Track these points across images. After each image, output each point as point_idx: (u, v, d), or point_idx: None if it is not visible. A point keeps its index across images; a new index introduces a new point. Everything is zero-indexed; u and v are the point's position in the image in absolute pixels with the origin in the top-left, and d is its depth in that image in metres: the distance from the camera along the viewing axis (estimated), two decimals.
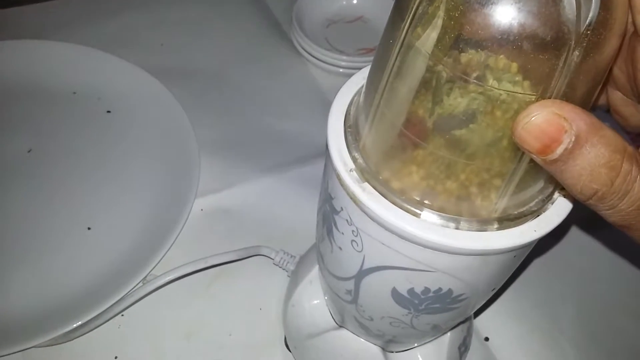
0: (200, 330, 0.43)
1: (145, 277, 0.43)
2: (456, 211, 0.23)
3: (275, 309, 0.44)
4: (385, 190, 0.24)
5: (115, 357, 0.40)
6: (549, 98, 0.20)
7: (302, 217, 0.49)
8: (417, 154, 0.23)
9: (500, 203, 0.23)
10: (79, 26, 0.62)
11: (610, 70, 0.26)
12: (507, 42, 0.19)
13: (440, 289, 0.25)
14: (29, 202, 0.48)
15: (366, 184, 0.24)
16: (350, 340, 0.37)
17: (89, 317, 0.40)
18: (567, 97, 0.20)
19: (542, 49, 0.19)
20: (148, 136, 0.53)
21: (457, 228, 0.23)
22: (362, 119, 0.25)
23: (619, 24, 0.20)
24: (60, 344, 0.40)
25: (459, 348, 0.39)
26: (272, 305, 0.44)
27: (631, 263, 0.51)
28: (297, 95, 0.60)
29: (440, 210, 0.23)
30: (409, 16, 0.21)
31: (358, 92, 0.27)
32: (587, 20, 0.19)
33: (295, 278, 0.41)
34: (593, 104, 0.24)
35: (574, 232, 0.52)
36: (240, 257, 0.45)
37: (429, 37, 0.21)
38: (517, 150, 0.21)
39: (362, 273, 0.27)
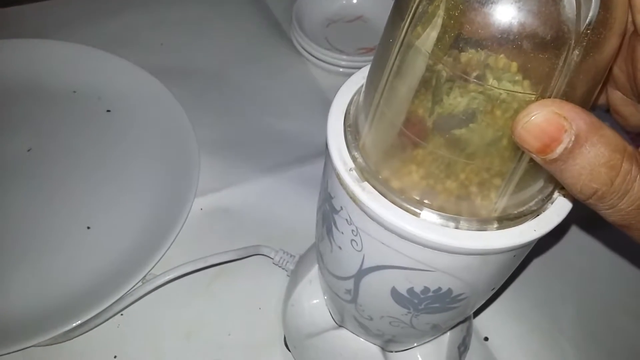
0: (200, 330, 0.43)
1: (145, 276, 0.43)
2: (456, 211, 0.23)
3: (274, 309, 0.44)
4: (384, 189, 0.24)
5: (115, 357, 0.40)
6: (549, 97, 0.20)
7: (302, 216, 0.49)
8: (416, 153, 0.23)
9: (500, 202, 0.23)
10: (79, 25, 0.62)
11: (610, 69, 0.26)
12: (507, 41, 0.19)
13: (439, 288, 0.25)
14: (28, 201, 0.48)
15: (366, 183, 0.24)
16: (349, 339, 0.37)
17: (88, 317, 0.40)
18: (567, 96, 0.20)
19: (542, 48, 0.19)
20: (148, 135, 0.53)
21: (456, 227, 0.23)
22: (361, 119, 0.25)
23: (619, 23, 0.20)
24: (59, 343, 0.40)
25: (459, 348, 0.39)
26: (271, 305, 0.44)
27: (631, 263, 0.51)
28: (297, 94, 0.60)
29: (440, 209, 0.23)
30: (409, 15, 0.21)
31: (358, 92, 0.27)
32: (587, 20, 0.19)
33: (294, 277, 0.41)
34: (593, 103, 0.24)
35: (574, 232, 0.52)
36: (239, 257, 0.45)
37: (429, 36, 0.21)
38: (517, 149, 0.21)
39: (362, 272, 0.27)
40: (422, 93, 0.22)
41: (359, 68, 0.28)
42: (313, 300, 0.39)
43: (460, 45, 0.20)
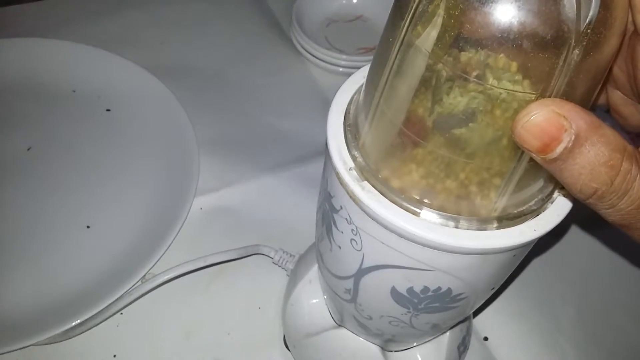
0: (199, 329, 0.43)
1: (144, 275, 0.43)
2: (456, 210, 0.23)
3: (274, 308, 0.44)
4: (384, 188, 0.23)
5: (114, 356, 0.40)
6: (549, 97, 0.20)
7: (302, 216, 0.49)
8: (416, 152, 0.23)
9: (499, 202, 0.23)
10: (79, 24, 0.62)
11: (610, 69, 0.26)
12: (507, 40, 0.19)
13: (439, 288, 0.25)
14: (28, 200, 0.48)
15: (365, 182, 0.24)
16: (349, 339, 0.37)
17: (87, 316, 0.40)
18: (567, 96, 0.20)
19: (542, 48, 0.19)
20: (147, 134, 0.53)
21: (456, 227, 0.23)
22: (361, 118, 0.25)
23: (619, 22, 0.20)
24: (59, 342, 0.40)
25: (458, 347, 0.39)
26: (271, 304, 0.44)
27: (631, 263, 0.51)
28: (296, 94, 0.60)
29: (439, 209, 0.23)
30: (409, 14, 0.21)
31: (358, 91, 0.27)
32: (587, 19, 0.19)
33: (294, 277, 0.41)
34: (593, 103, 0.24)
35: (574, 232, 0.52)
36: (239, 256, 0.45)
37: (429, 36, 0.21)
38: (517, 149, 0.21)
39: (361, 272, 0.27)
40: (422, 92, 0.22)
41: (359, 68, 0.28)
42: (313, 300, 0.39)
43: (460, 44, 0.20)
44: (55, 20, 0.62)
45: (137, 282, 0.43)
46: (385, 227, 0.23)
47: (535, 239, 0.23)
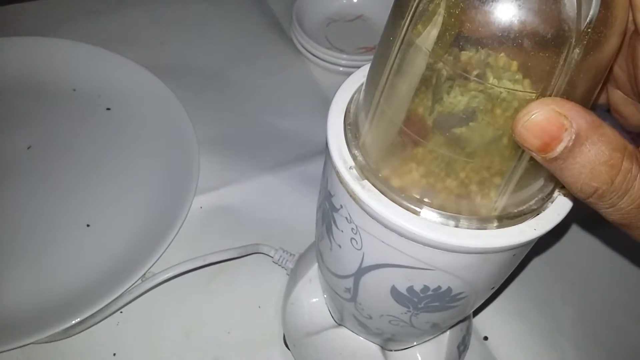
0: (199, 328, 0.43)
1: (144, 274, 0.43)
2: (456, 209, 0.23)
3: (274, 307, 0.44)
4: (385, 187, 0.23)
5: (114, 354, 0.40)
6: (549, 96, 0.20)
7: (302, 215, 0.49)
8: (417, 151, 0.23)
9: (500, 201, 0.23)
10: (80, 23, 0.62)
11: (611, 69, 0.26)
12: (508, 39, 0.19)
13: (439, 287, 0.25)
14: (28, 198, 0.48)
15: (366, 181, 0.24)
16: (349, 338, 0.37)
17: (87, 314, 0.40)
18: (567, 95, 0.20)
19: (542, 47, 0.19)
20: (148, 133, 0.53)
21: (456, 226, 0.23)
22: (362, 117, 0.25)
23: (619, 22, 0.20)
24: (58, 340, 0.40)
25: (458, 347, 0.39)
26: (271, 303, 0.44)
27: (631, 262, 0.51)
28: (297, 93, 0.60)
29: (440, 208, 0.23)
30: (409, 13, 0.21)
31: (358, 90, 0.27)
32: (588, 18, 0.19)
33: (294, 276, 0.41)
34: (593, 103, 0.24)
35: (574, 231, 0.52)
36: (239, 255, 0.45)
37: (430, 35, 0.21)
38: (517, 148, 0.21)
39: (362, 271, 0.27)
40: (423, 91, 0.22)
41: (359, 67, 0.28)
42: (312, 299, 0.39)
43: (461, 43, 0.20)
44: (56, 19, 0.62)
45: (137, 280, 0.43)
46: (386, 226, 0.23)
47: (535, 239, 0.23)
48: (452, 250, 0.23)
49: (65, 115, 0.54)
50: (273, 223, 0.49)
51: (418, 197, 0.23)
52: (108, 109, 0.55)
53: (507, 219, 0.23)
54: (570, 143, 0.18)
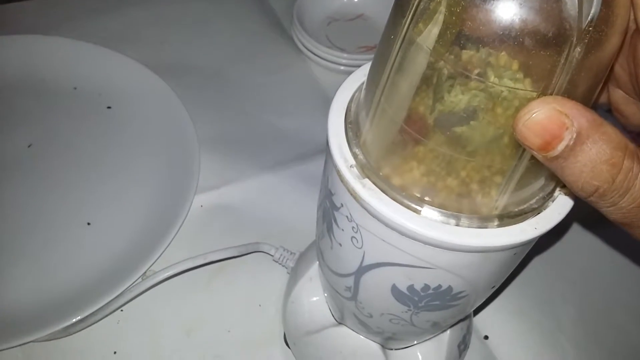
0: (200, 327, 0.43)
1: (145, 272, 0.43)
2: (457, 208, 0.23)
3: (274, 306, 0.44)
4: (385, 186, 0.23)
5: (115, 352, 0.40)
6: (551, 95, 0.20)
7: (302, 213, 0.49)
8: (417, 150, 0.23)
9: (500, 200, 0.23)
10: (80, 22, 0.62)
11: (612, 68, 0.26)
12: (509, 38, 0.19)
13: (440, 286, 0.25)
14: (29, 197, 0.48)
15: (366, 180, 0.24)
16: (349, 337, 0.37)
17: (88, 312, 0.40)
18: (568, 94, 0.20)
19: (543, 46, 0.19)
20: (148, 132, 0.53)
21: (457, 225, 0.23)
22: (362, 115, 0.25)
23: (620, 20, 0.20)
24: (59, 338, 0.40)
25: (459, 346, 0.39)
26: (271, 302, 0.44)
27: (632, 261, 0.51)
28: (297, 92, 0.60)
29: (440, 206, 0.23)
30: (410, 12, 0.21)
31: (359, 89, 0.27)
32: (589, 17, 0.19)
33: (294, 275, 0.41)
34: (594, 102, 0.24)
35: (575, 230, 0.52)
36: (239, 254, 0.45)
37: (431, 33, 0.21)
38: (518, 147, 0.21)
39: (362, 270, 0.27)
40: (423, 90, 0.22)
41: (360, 66, 0.28)
42: (313, 298, 0.39)
43: (462, 42, 0.20)
44: (56, 18, 0.62)
45: (138, 279, 0.43)
46: (386, 225, 0.23)
47: (536, 238, 0.23)
48: (452, 249, 0.23)
49: (66, 113, 0.54)
50: (273, 222, 0.49)
51: (419, 195, 0.23)
52: (109, 107, 0.55)
53: (508, 217, 0.23)
54: (572, 142, 0.18)
